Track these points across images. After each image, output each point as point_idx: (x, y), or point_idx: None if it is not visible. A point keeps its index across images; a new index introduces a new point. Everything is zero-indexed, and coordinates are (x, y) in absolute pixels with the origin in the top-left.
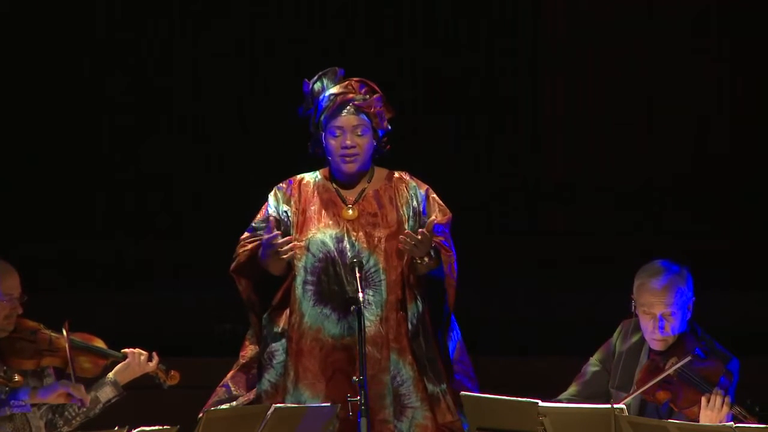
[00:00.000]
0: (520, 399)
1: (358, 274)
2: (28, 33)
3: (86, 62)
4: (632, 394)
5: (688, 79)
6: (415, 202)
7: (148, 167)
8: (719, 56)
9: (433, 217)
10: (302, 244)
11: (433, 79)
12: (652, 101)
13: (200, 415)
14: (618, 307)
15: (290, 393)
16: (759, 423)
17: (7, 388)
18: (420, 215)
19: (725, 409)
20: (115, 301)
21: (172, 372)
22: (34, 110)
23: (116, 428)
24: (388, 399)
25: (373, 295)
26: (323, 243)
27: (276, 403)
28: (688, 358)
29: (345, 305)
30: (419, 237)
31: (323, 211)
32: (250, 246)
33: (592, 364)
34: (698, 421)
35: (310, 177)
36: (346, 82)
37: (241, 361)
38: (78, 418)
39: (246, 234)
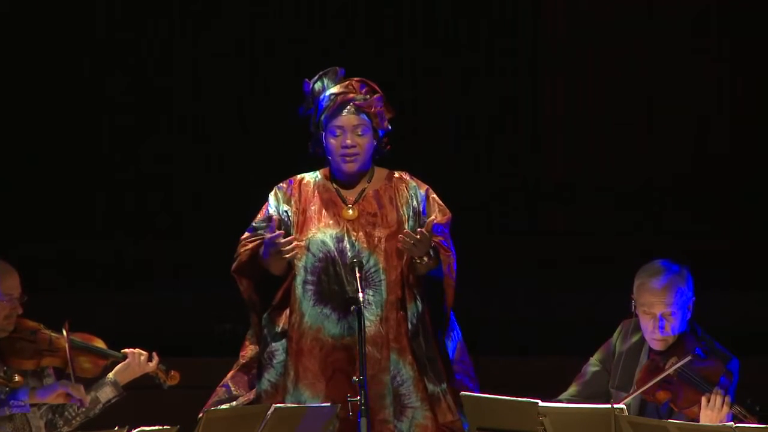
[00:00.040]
0: (520, 399)
1: (358, 274)
2: (28, 33)
3: (86, 62)
4: (632, 394)
5: (688, 79)
6: (415, 202)
7: (148, 167)
8: (719, 56)
9: (432, 217)
10: (302, 243)
11: (433, 79)
12: (652, 101)
13: (200, 415)
14: (618, 307)
15: (290, 393)
16: (759, 423)
17: (7, 389)
18: (420, 215)
19: (725, 408)
20: (115, 301)
21: (172, 372)
22: (34, 110)
23: (116, 428)
24: (388, 399)
25: (373, 295)
26: (323, 243)
27: (276, 403)
28: (688, 358)
29: (345, 305)
30: (418, 236)
31: (323, 211)
32: (251, 245)
33: (592, 364)
34: (698, 421)
35: (311, 177)
36: (347, 82)
37: (241, 361)
38: (78, 418)
39: (246, 234)
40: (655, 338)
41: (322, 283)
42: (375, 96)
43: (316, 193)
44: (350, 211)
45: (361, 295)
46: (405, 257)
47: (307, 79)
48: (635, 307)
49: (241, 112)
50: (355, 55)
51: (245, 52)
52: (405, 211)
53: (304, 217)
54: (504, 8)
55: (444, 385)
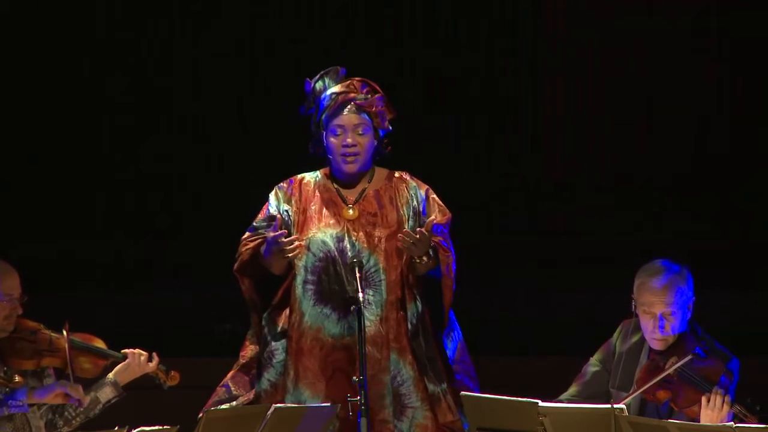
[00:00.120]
0: (520, 399)
1: (358, 274)
2: (28, 33)
3: (86, 62)
4: (632, 393)
5: (688, 79)
6: (415, 202)
7: (148, 167)
8: (719, 56)
9: (432, 217)
10: (303, 243)
11: (433, 79)
12: (652, 101)
13: (200, 415)
14: (618, 307)
15: (290, 392)
16: (759, 422)
17: (6, 389)
18: (420, 215)
19: (725, 408)
20: (115, 301)
21: (172, 372)
22: (34, 110)
23: (116, 428)
24: (388, 399)
25: (373, 295)
26: (324, 242)
27: (276, 403)
28: (689, 358)
29: (345, 305)
30: (418, 236)
31: (324, 211)
32: (252, 244)
33: (592, 364)
34: (698, 421)
35: (311, 176)
36: (348, 82)
37: (241, 361)
38: (78, 419)
39: (247, 234)
40: (655, 338)
41: (322, 282)
42: (376, 96)
43: (316, 193)
44: (350, 211)
45: (361, 294)
46: (405, 257)
47: (308, 79)
48: (635, 306)
49: (241, 112)
50: (356, 55)
51: (245, 52)
52: (405, 211)
53: (305, 216)
54: (504, 8)
55: (444, 385)
